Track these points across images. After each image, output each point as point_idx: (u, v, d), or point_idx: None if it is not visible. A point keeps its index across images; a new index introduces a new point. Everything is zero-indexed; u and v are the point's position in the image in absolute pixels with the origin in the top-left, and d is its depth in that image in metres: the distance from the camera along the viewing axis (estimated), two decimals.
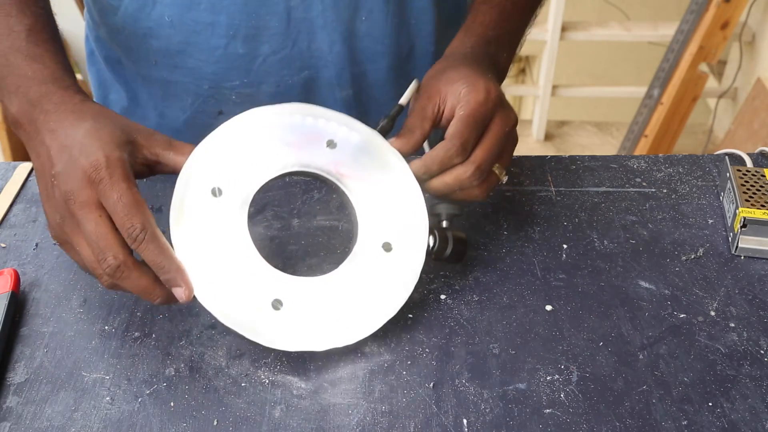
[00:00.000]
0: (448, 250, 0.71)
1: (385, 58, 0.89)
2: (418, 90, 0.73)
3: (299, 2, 0.83)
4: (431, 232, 0.71)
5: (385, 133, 0.71)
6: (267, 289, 0.66)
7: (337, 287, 0.68)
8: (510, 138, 0.72)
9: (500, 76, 0.80)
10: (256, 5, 0.83)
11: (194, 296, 0.64)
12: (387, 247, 0.69)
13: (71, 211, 0.63)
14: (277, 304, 0.66)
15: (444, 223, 0.73)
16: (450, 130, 0.69)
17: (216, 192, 0.65)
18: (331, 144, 0.68)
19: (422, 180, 0.70)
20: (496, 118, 0.70)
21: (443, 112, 0.71)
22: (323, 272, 0.68)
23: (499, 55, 0.80)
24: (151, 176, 0.68)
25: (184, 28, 0.85)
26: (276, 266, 0.67)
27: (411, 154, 0.71)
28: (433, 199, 0.72)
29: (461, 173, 0.69)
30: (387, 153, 0.70)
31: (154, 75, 0.90)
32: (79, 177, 0.62)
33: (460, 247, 0.72)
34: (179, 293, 0.63)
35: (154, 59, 0.88)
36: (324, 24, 0.84)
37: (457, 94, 0.70)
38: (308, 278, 0.67)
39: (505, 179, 0.72)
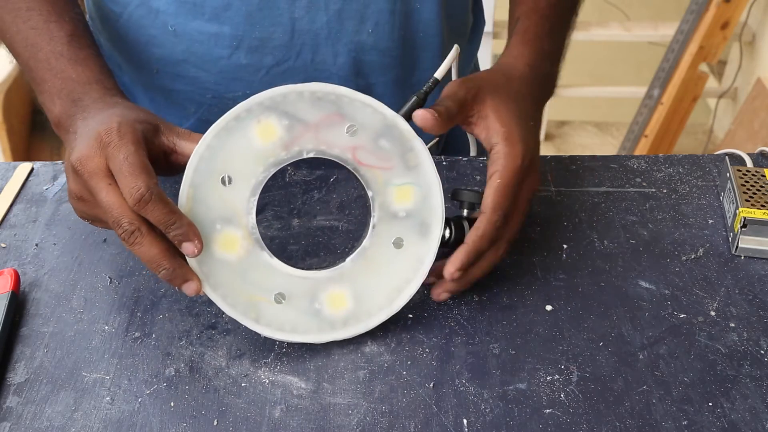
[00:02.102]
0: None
1: (391, 71, 0.88)
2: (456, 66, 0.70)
3: (304, 14, 0.82)
4: (447, 222, 0.69)
5: (420, 105, 0.68)
6: (272, 281, 0.66)
7: (342, 282, 0.67)
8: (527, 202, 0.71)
9: (550, 92, 0.80)
10: (259, 16, 0.82)
11: (199, 288, 0.64)
12: (398, 243, 0.68)
13: (84, 182, 0.63)
14: (279, 298, 0.66)
15: (465, 212, 0.71)
16: (489, 202, 0.67)
17: (226, 180, 0.64)
18: (351, 129, 0.66)
19: (459, 275, 0.68)
20: (525, 186, 0.70)
21: (472, 120, 0.70)
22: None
23: (554, 70, 0.80)
24: (167, 173, 0.67)
25: (187, 38, 0.84)
26: None
27: (434, 131, 0.68)
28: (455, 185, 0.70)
29: (495, 257, 0.69)
30: (411, 139, 0.67)
31: (156, 83, 0.90)
32: (90, 143, 0.63)
33: None
34: (189, 248, 0.62)
35: (156, 68, 0.88)
36: (328, 35, 0.83)
37: (492, 143, 0.69)
38: (314, 272, 0.67)
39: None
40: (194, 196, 0.64)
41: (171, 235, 0.61)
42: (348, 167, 0.67)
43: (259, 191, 0.65)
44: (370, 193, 0.68)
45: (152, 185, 0.61)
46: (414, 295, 0.70)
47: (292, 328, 0.66)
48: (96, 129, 0.63)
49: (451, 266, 0.67)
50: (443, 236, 0.69)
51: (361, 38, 0.84)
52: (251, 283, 0.65)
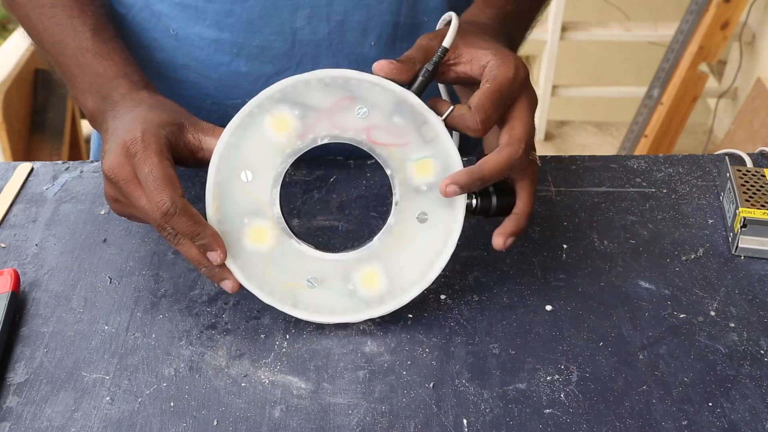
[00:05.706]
0: (493, 205, 0.69)
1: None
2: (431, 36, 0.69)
3: (305, 24, 0.82)
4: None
5: (431, 78, 0.68)
6: (304, 267, 0.68)
7: (372, 261, 0.68)
8: (533, 119, 0.69)
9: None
10: (260, 25, 0.82)
11: (237, 286, 0.67)
12: (422, 217, 0.68)
13: (119, 188, 0.65)
14: (313, 282, 0.68)
15: None
16: (473, 102, 0.66)
17: (246, 176, 0.66)
18: (361, 111, 0.66)
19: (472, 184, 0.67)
20: (523, 98, 0.67)
21: (449, 62, 0.68)
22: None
23: (515, 33, 0.78)
24: (196, 167, 0.69)
25: (188, 43, 0.84)
26: None
27: (401, 81, 0.66)
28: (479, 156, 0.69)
29: (512, 153, 0.65)
30: (424, 113, 0.66)
31: (158, 87, 0.89)
32: (118, 151, 0.65)
33: (506, 200, 0.69)
34: (214, 257, 0.65)
35: (158, 72, 0.88)
36: (329, 46, 0.83)
37: (483, 64, 0.67)
38: (343, 254, 0.68)
39: (539, 163, 0.71)
40: (220, 194, 0.66)
41: (196, 244, 0.64)
42: (363, 148, 0.67)
43: (280, 182, 0.67)
44: (389, 171, 0.68)
45: (176, 198, 0.63)
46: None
47: (330, 310, 0.68)
48: (122, 137, 0.65)
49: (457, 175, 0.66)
50: (470, 204, 0.68)
51: (363, 50, 0.84)
52: (284, 271, 0.68)
